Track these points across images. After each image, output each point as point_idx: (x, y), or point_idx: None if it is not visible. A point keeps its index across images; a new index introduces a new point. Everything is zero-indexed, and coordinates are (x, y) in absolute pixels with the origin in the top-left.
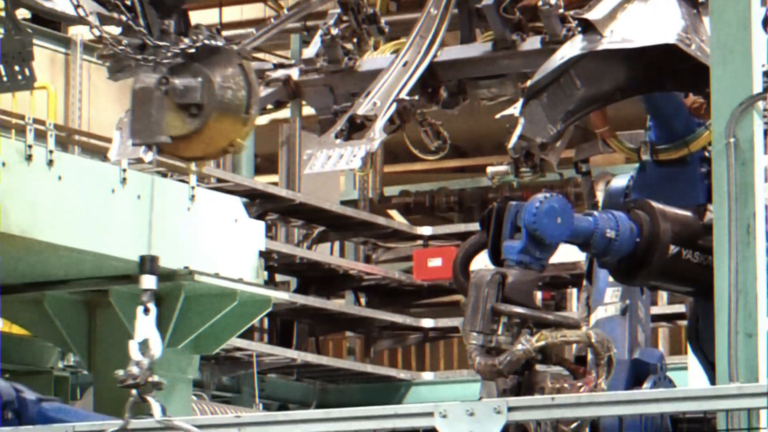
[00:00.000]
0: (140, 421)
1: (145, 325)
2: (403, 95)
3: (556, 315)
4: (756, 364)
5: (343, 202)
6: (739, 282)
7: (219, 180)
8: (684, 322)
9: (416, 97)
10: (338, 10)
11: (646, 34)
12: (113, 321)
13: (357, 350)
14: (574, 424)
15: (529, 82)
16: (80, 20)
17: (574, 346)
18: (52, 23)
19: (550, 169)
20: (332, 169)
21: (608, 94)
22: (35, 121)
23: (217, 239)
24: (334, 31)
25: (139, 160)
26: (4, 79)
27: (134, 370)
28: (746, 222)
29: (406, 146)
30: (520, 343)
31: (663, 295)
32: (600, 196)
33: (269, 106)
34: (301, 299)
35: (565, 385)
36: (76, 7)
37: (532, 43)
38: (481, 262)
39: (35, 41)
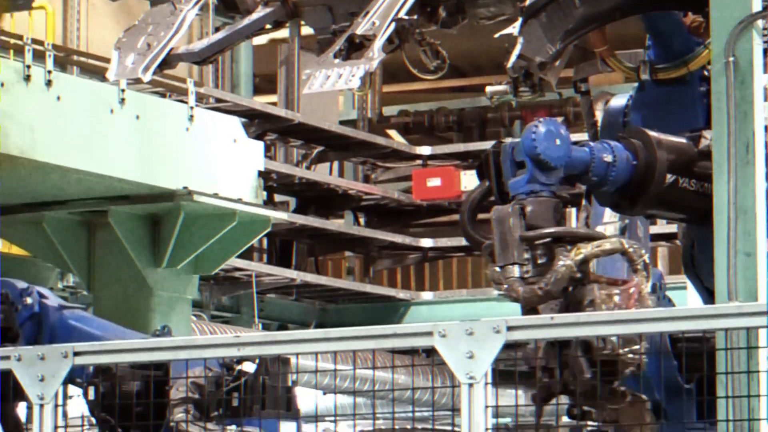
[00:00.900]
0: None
1: None
2: (402, 14)
3: (584, 229)
4: (755, 283)
5: (342, 122)
6: (738, 201)
7: (218, 100)
8: None
9: (415, 17)
10: None
11: None
12: (112, 241)
13: (356, 270)
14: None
15: (528, 1)
16: None
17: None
18: None
19: (549, 89)
20: (331, 88)
21: (607, 13)
22: (34, 41)
23: (215, 159)
24: None
25: (138, 80)
26: None
27: None
28: (745, 141)
29: (405, 66)
30: (560, 261)
31: None
32: (599, 115)
33: (268, 26)
34: (300, 219)
35: (615, 292)
36: None
37: None
38: None
39: None
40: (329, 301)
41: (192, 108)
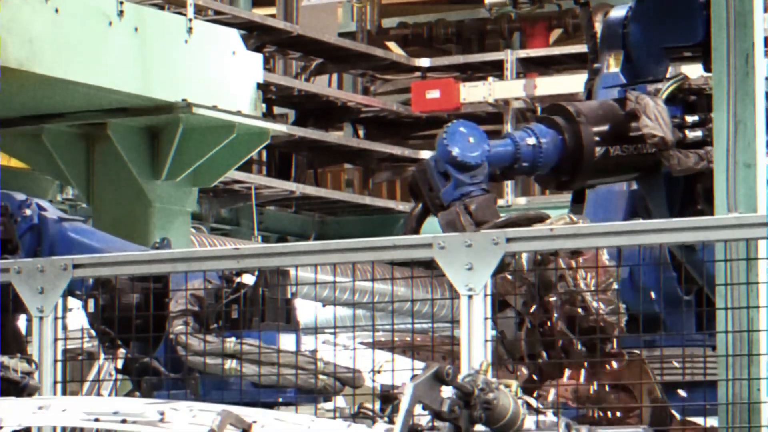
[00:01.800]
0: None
1: None
2: None
3: (533, 211)
4: (755, 194)
5: (341, 34)
6: (738, 112)
7: (216, 12)
8: None
9: None
10: None
11: None
12: (111, 154)
13: (355, 182)
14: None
15: None
16: None
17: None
18: None
19: (548, 0)
20: (330, 0)
21: None
22: None
23: (214, 72)
24: None
25: None
26: None
27: None
28: (745, 52)
29: None
30: None
31: None
32: (598, 27)
33: None
34: (299, 131)
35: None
36: None
37: None
38: None
39: None
40: (328, 214)
41: (191, 20)
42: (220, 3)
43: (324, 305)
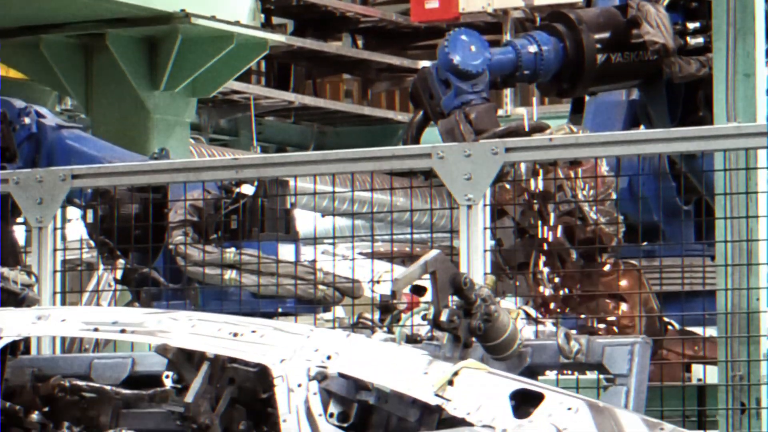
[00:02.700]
0: None
1: None
2: None
3: (532, 121)
4: (754, 103)
5: None
6: (738, 21)
7: None
8: None
9: None
10: None
11: None
12: (110, 64)
13: (354, 92)
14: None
15: None
16: None
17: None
18: None
19: None
20: None
21: None
22: None
23: None
24: None
25: None
26: None
27: None
28: None
29: None
30: None
31: None
32: None
33: None
34: (298, 41)
35: (578, 173)
36: None
37: None
38: None
39: None
40: (327, 124)
41: None
42: None
43: (323, 215)
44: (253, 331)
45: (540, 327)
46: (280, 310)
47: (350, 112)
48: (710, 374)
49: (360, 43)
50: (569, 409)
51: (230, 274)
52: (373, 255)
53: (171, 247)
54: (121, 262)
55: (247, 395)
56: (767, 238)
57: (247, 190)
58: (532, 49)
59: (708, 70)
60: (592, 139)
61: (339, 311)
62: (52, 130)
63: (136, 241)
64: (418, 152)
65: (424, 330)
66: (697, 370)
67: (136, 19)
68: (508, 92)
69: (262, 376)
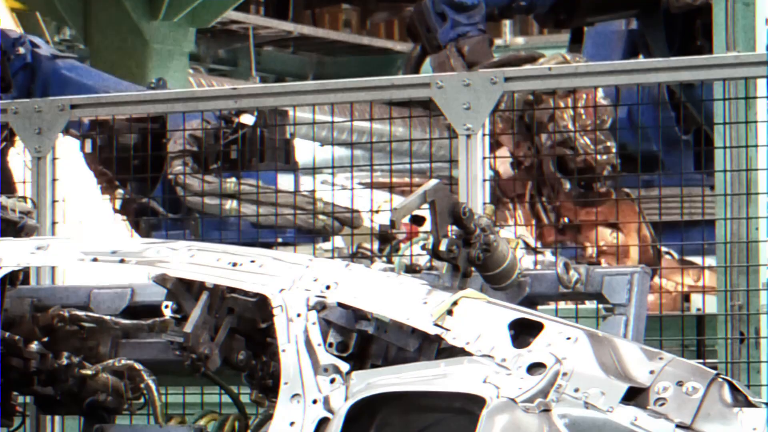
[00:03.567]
0: None
1: None
2: None
3: (525, 51)
4: (753, 32)
5: None
6: None
7: None
8: None
9: None
10: None
11: None
12: None
13: (353, 22)
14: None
15: None
16: None
17: None
18: None
19: None
20: None
21: None
22: None
23: None
24: None
25: None
26: None
27: None
28: None
29: None
30: None
31: None
32: None
33: None
34: None
35: (569, 102)
36: None
37: None
38: None
39: None
40: (327, 54)
41: None
42: None
43: (322, 145)
44: (253, 261)
45: (539, 257)
46: (279, 239)
47: (349, 42)
48: (709, 304)
49: None
50: (568, 338)
51: (230, 204)
52: (372, 185)
53: (170, 177)
54: (119, 191)
55: (247, 325)
56: (767, 167)
57: (247, 120)
58: None
59: None
60: (591, 69)
61: (338, 241)
62: (47, 60)
63: (135, 172)
64: (417, 82)
65: (423, 260)
66: (696, 299)
67: None
68: (507, 22)
69: (261, 306)
